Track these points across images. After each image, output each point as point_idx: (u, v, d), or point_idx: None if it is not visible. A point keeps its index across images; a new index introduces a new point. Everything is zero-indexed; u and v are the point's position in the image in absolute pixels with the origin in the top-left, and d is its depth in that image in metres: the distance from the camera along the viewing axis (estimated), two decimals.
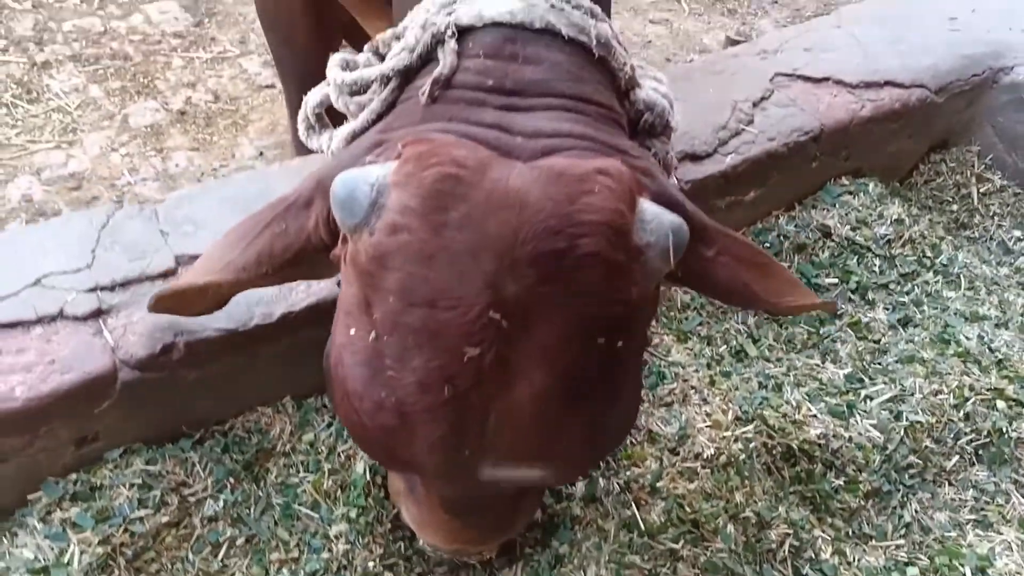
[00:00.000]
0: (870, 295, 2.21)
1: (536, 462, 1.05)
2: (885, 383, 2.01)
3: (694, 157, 2.05)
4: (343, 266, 1.07)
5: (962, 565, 1.75)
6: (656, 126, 1.22)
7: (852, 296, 2.21)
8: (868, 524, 1.83)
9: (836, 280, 2.22)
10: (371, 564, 1.57)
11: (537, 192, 0.94)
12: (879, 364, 2.07)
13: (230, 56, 3.86)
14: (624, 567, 1.61)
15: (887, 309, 2.20)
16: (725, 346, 2.05)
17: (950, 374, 2.02)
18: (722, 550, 1.67)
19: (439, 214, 0.94)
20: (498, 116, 1.06)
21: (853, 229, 2.26)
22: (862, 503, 1.84)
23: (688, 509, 1.70)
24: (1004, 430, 1.94)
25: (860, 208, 2.30)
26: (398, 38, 1.20)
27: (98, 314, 1.52)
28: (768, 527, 1.73)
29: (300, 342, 1.66)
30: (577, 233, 0.94)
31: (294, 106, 2.08)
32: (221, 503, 1.60)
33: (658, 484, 1.72)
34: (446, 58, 1.10)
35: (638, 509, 1.69)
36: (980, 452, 1.94)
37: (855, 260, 2.25)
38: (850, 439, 1.88)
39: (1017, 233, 2.53)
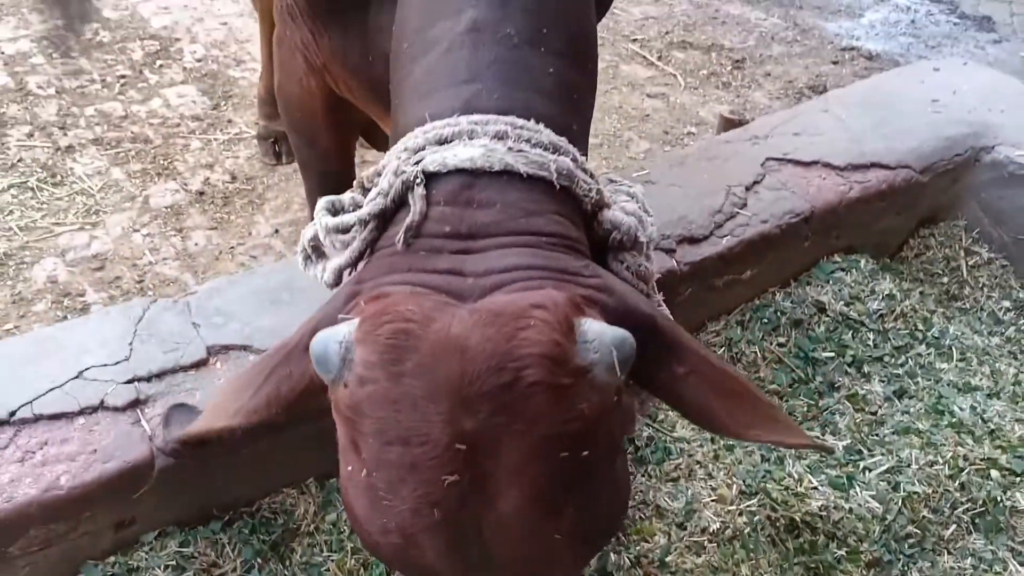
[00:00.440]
0: (866, 368, 2.31)
1: (531, 566, 1.13)
2: (883, 454, 2.09)
3: (692, 240, 2.17)
4: (333, 410, 1.17)
5: None
6: (625, 242, 1.30)
7: (848, 369, 2.31)
8: None
9: (832, 354, 2.32)
10: None
11: (476, 336, 1.04)
12: (876, 436, 2.16)
13: (246, 137, 4.01)
14: None
15: (883, 381, 2.29)
16: None
17: (945, 445, 2.10)
18: None
19: (396, 365, 1.05)
20: (452, 261, 1.17)
21: (847, 304, 2.37)
22: (864, 573, 1.91)
23: None
24: (999, 499, 2.02)
25: (852, 284, 2.41)
26: (379, 175, 1.30)
27: (136, 404, 1.62)
28: None
29: (322, 426, 1.74)
30: (518, 367, 1.03)
31: (314, 198, 2.21)
32: None
33: (667, 559, 1.80)
34: (415, 205, 1.20)
35: None
36: (976, 521, 2.02)
37: (850, 334, 2.35)
38: (850, 510, 1.96)
39: (1006, 304, 2.64)
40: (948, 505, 2.01)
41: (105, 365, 1.65)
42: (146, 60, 4.51)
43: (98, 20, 4.79)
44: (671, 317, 1.35)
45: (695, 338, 2.22)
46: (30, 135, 3.90)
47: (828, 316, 2.36)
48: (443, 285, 1.14)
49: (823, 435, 2.15)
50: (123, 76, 4.37)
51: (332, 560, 1.74)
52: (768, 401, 1.29)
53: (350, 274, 1.29)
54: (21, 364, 1.63)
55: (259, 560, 1.71)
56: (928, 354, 2.37)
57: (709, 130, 4.32)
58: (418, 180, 1.21)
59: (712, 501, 1.90)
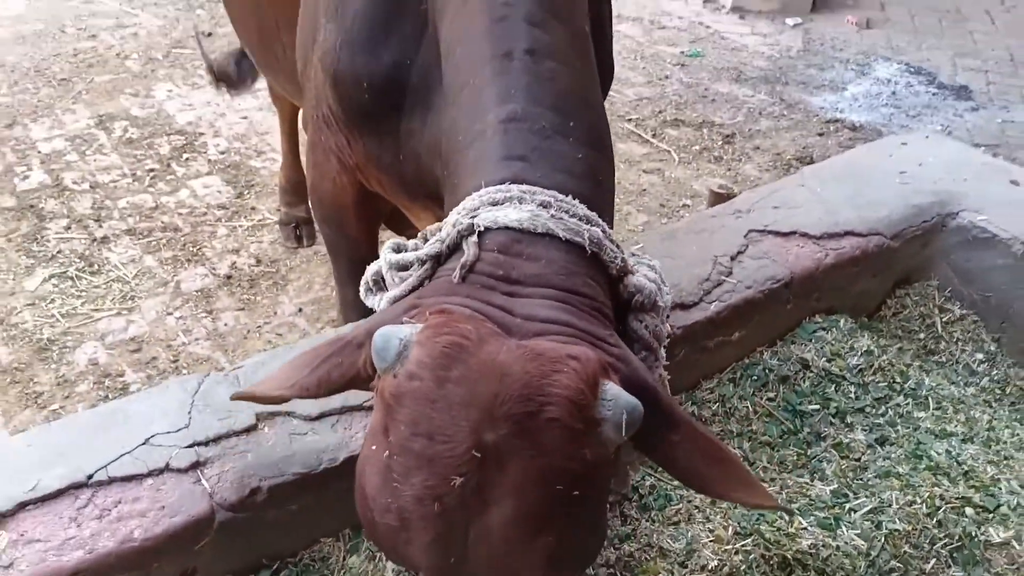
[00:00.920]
0: (848, 418, 2.51)
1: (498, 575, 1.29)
2: (866, 496, 2.28)
3: (683, 306, 2.40)
4: (375, 395, 1.36)
5: None
6: (645, 304, 1.52)
7: (833, 420, 2.52)
8: None
9: (818, 406, 2.53)
10: None
11: (518, 367, 1.23)
12: (861, 479, 2.35)
13: (269, 223, 4.30)
14: None
15: (865, 430, 2.50)
16: None
17: (923, 486, 2.29)
18: None
19: (444, 370, 1.24)
20: (503, 300, 1.37)
21: (828, 361, 2.60)
22: None
23: None
24: (973, 534, 2.20)
25: (833, 342, 2.64)
26: (439, 229, 1.55)
27: (196, 466, 1.83)
28: None
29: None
30: (544, 401, 1.22)
31: (343, 282, 2.45)
32: None
33: None
34: (469, 249, 1.42)
35: None
36: (954, 555, 2.20)
37: (833, 388, 2.56)
38: (838, 548, 2.14)
39: (979, 356, 2.85)
40: (927, 541, 2.19)
41: (168, 432, 1.87)
42: (173, 154, 4.83)
43: (127, 118, 5.14)
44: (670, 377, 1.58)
45: (691, 395, 2.46)
46: (67, 228, 4.18)
47: (812, 372, 2.57)
48: (496, 317, 1.34)
49: (812, 481, 2.34)
50: (152, 170, 4.68)
51: None
52: (746, 468, 1.48)
53: None
54: (95, 433, 1.86)
55: None
56: (907, 404, 2.58)
57: (703, 202, 4.59)
58: (473, 230, 1.44)
59: (710, 541, 2.09)
